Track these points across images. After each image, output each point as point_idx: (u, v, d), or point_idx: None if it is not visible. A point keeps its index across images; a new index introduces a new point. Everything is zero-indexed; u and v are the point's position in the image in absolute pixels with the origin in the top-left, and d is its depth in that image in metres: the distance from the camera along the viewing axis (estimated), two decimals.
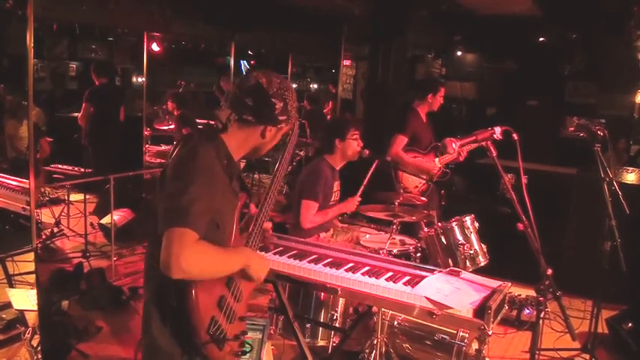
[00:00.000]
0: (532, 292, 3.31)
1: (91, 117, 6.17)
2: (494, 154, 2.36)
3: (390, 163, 3.96)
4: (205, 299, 1.63)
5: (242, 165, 6.72)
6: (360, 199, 3.67)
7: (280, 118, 1.76)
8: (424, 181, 4.42)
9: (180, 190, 1.56)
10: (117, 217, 5.24)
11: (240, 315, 1.79)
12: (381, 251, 3.19)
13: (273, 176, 1.97)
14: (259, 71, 1.77)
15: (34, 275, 3.28)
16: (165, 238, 1.51)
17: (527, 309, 4.05)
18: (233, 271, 1.70)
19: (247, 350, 1.83)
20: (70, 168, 5.50)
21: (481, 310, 2.02)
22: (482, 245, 3.38)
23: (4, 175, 4.30)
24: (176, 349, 1.68)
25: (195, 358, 1.67)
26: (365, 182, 3.66)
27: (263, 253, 2.54)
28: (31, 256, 3.35)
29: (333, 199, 3.68)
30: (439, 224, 3.41)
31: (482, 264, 3.33)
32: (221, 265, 1.65)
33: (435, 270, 2.41)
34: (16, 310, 3.19)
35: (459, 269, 2.42)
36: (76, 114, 6.56)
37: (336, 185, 3.73)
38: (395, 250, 3.35)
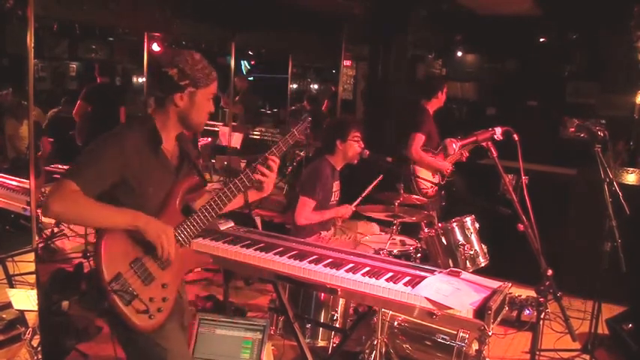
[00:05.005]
0: (532, 293, 3.32)
1: (88, 116, 6.14)
2: (495, 154, 2.36)
3: (389, 164, 3.95)
4: (113, 255, 1.83)
5: (242, 165, 6.72)
6: (354, 208, 3.69)
7: (182, 83, 1.91)
8: (436, 182, 4.44)
9: (83, 154, 1.85)
10: None
11: (163, 282, 1.93)
12: (381, 252, 3.19)
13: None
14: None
15: (34, 275, 3.27)
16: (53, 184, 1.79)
17: (528, 309, 4.05)
18: (115, 228, 1.85)
19: None
20: None
21: (481, 311, 2.01)
22: (483, 246, 3.37)
23: (5, 175, 4.29)
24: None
25: (103, 302, 1.83)
26: (364, 194, 3.67)
27: (265, 253, 2.53)
28: (31, 256, 3.34)
29: (333, 199, 3.68)
30: (439, 225, 3.41)
31: (483, 264, 3.33)
32: (96, 218, 1.82)
33: (435, 270, 2.40)
34: (17, 310, 3.19)
35: (459, 270, 2.42)
36: None
37: (336, 185, 3.72)
38: (395, 251, 3.35)
